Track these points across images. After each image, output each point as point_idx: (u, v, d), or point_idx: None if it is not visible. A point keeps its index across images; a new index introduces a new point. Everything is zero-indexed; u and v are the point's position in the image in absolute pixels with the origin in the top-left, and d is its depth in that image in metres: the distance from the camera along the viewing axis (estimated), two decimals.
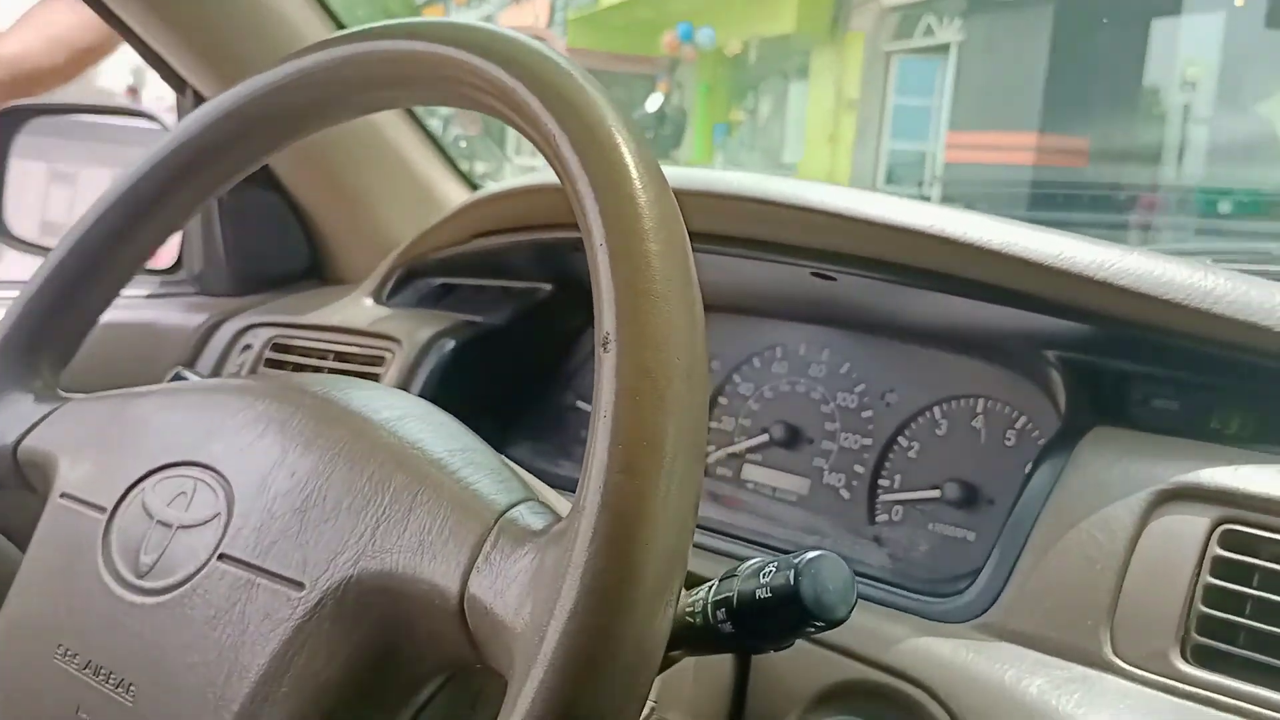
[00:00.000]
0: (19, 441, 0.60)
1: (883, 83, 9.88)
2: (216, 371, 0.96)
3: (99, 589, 0.50)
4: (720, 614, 0.41)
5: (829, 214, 0.65)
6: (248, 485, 0.49)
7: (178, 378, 0.77)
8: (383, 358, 0.89)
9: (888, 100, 9.91)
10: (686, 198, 0.74)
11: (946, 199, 8.44)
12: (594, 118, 0.43)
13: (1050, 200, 7.63)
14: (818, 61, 10.90)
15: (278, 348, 0.95)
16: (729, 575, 0.42)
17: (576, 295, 0.92)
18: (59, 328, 0.64)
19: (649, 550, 0.36)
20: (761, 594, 0.41)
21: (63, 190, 1.33)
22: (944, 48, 9.07)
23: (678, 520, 0.37)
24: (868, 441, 0.78)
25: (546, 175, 0.84)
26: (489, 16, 15.84)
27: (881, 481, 0.77)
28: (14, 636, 0.54)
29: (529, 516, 0.42)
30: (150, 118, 1.05)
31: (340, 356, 0.92)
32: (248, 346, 0.96)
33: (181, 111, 0.99)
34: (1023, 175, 7.73)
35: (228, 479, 0.50)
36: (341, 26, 0.94)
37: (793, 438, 0.82)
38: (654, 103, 7.79)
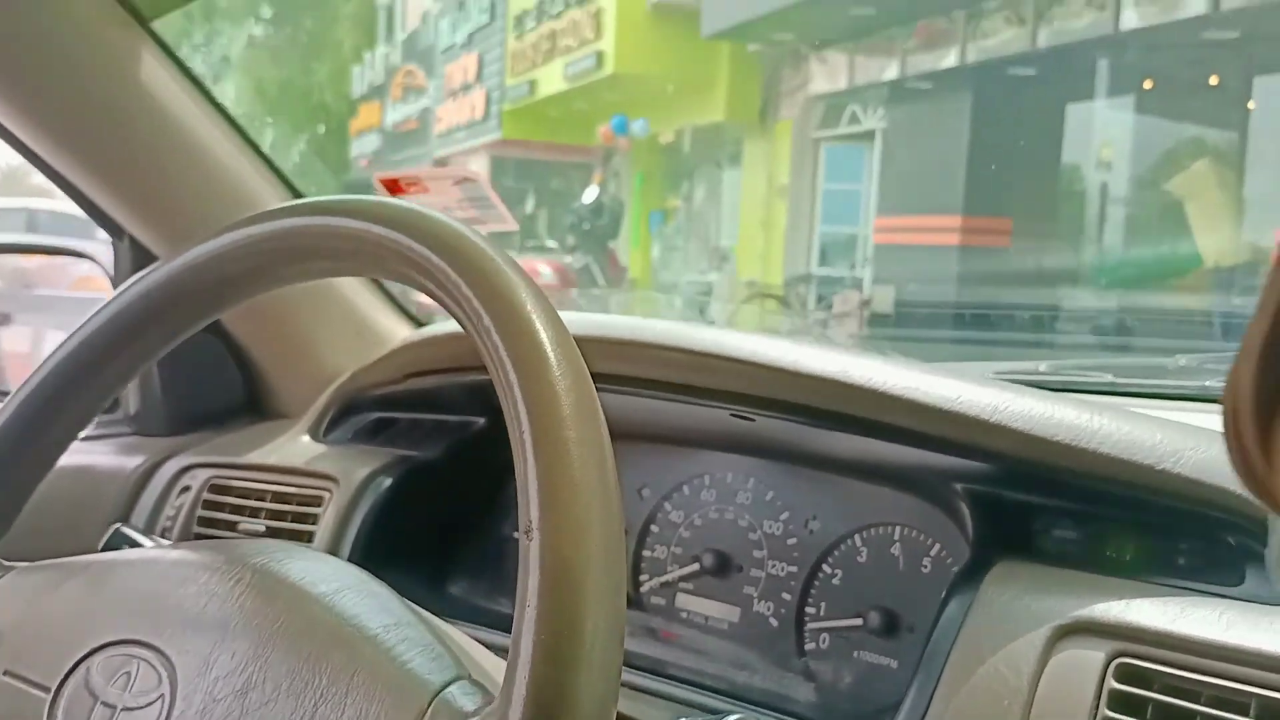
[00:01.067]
0: None
1: (812, 169, 10.18)
2: (155, 515, 0.97)
3: None
4: None
5: (743, 362, 0.69)
6: (190, 665, 0.50)
7: (117, 534, 0.78)
8: (320, 498, 0.91)
9: (818, 185, 10.20)
10: (612, 345, 0.78)
11: (878, 279, 8.66)
12: (517, 304, 0.47)
13: (976, 278, 7.88)
14: (749, 149, 11.20)
15: (215, 489, 0.96)
16: None
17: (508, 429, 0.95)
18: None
19: None
20: None
21: None
22: (869, 134, 9.39)
23: (599, 703, 0.40)
24: (794, 569, 0.82)
25: None
26: (427, 109, 16.06)
27: (808, 609, 0.80)
28: None
29: (461, 698, 0.45)
30: (93, 259, 1.07)
31: (278, 497, 0.93)
32: (186, 488, 0.97)
33: (119, 257, 1.01)
34: (948, 256, 7.98)
35: (170, 658, 0.51)
36: (276, 171, 0.97)
37: (723, 566, 0.85)
38: (590, 194, 7.94)
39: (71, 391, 0.64)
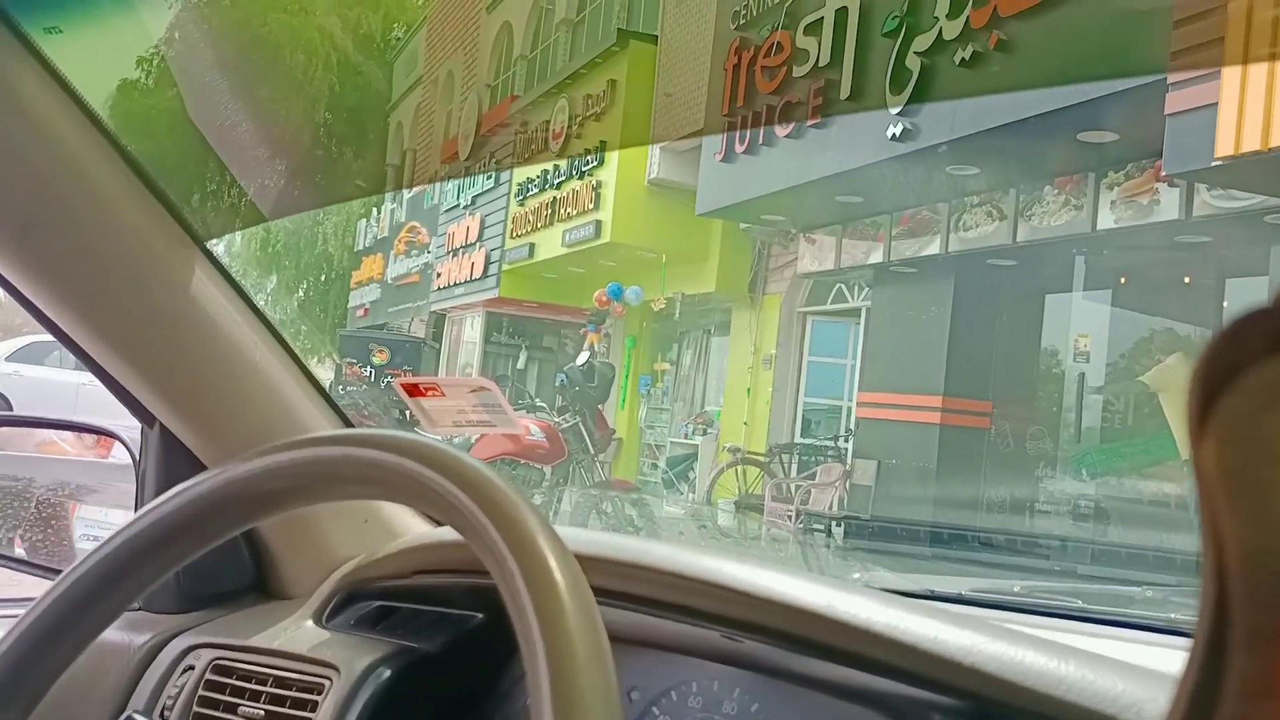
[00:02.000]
0: None
1: (799, 341, 10.42)
2: (157, 693, 1.00)
3: None
4: None
5: (736, 591, 0.75)
6: None
7: None
8: (321, 685, 0.94)
9: (804, 357, 10.42)
10: (611, 565, 0.83)
11: (859, 453, 8.75)
12: (539, 553, 0.53)
13: (957, 458, 7.98)
14: (737, 319, 11.47)
15: (219, 669, 0.99)
16: None
17: (506, 624, 0.99)
18: (26, 685, 0.69)
19: None
20: None
21: None
22: (855, 312, 9.66)
23: None
24: None
25: None
26: (428, 265, 16.45)
27: None
28: None
29: None
30: (119, 439, 1.12)
31: (279, 682, 0.96)
32: (189, 668, 1.00)
33: (147, 442, 1.07)
34: (929, 434, 8.10)
35: None
36: (315, 385, 1.04)
37: None
38: (583, 357, 8.08)
39: (109, 586, 0.69)
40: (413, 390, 1.05)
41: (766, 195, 8.70)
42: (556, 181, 13.19)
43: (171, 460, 1.06)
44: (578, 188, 12.64)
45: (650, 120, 11.01)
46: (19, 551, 1.23)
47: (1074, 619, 0.99)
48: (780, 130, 8.52)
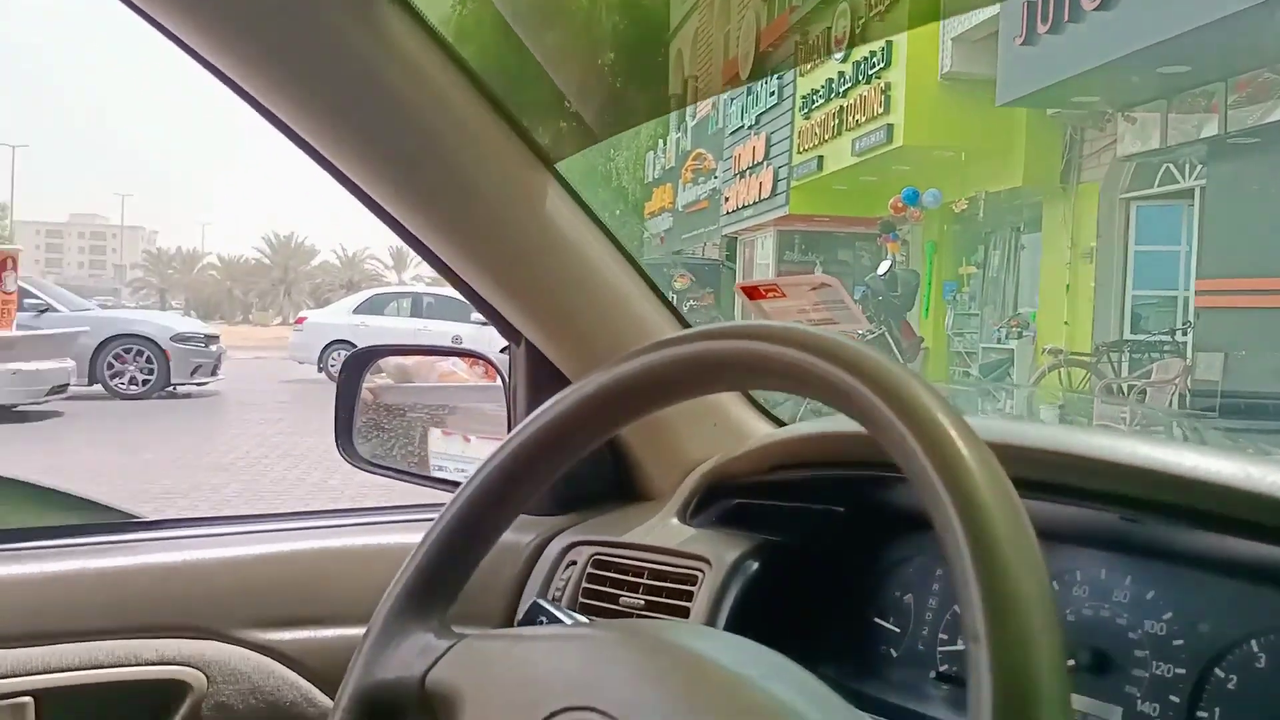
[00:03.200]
0: (425, 674, 0.72)
1: (1123, 230, 9.60)
2: (546, 585, 1.08)
3: None
4: None
5: (1140, 468, 0.70)
6: None
7: (534, 607, 0.88)
8: (695, 577, 0.98)
9: (1129, 247, 9.61)
10: (1014, 450, 0.80)
11: (1201, 346, 8.00)
12: (944, 434, 0.51)
13: None
14: (1049, 213, 10.73)
15: (598, 564, 1.06)
16: None
17: (870, 517, 0.99)
18: (450, 574, 0.76)
19: None
20: None
21: None
22: (1187, 193, 8.76)
23: None
24: (1181, 671, 0.79)
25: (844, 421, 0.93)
26: (716, 190, 16.59)
27: (1200, 714, 0.78)
28: None
29: None
30: (488, 360, 1.21)
31: (655, 574, 1.02)
32: (572, 563, 1.08)
33: (513, 359, 1.15)
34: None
35: None
36: (660, 296, 1.07)
37: (1101, 663, 0.84)
38: (884, 266, 7.88)
39: (514, 483, 0.75)
40: (752, 292, 1.06)
41: (1076, 76, 8.02)
42: (842, 89, 12.81)
43: (536, 375, 1.13)
44: (865, 93, 12.22)
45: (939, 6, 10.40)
46: (408, 466, 1.37)
47: None
48: (1087, 3, 7.80)
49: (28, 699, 0.87)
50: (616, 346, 1.04)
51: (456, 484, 1.29)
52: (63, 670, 0.90)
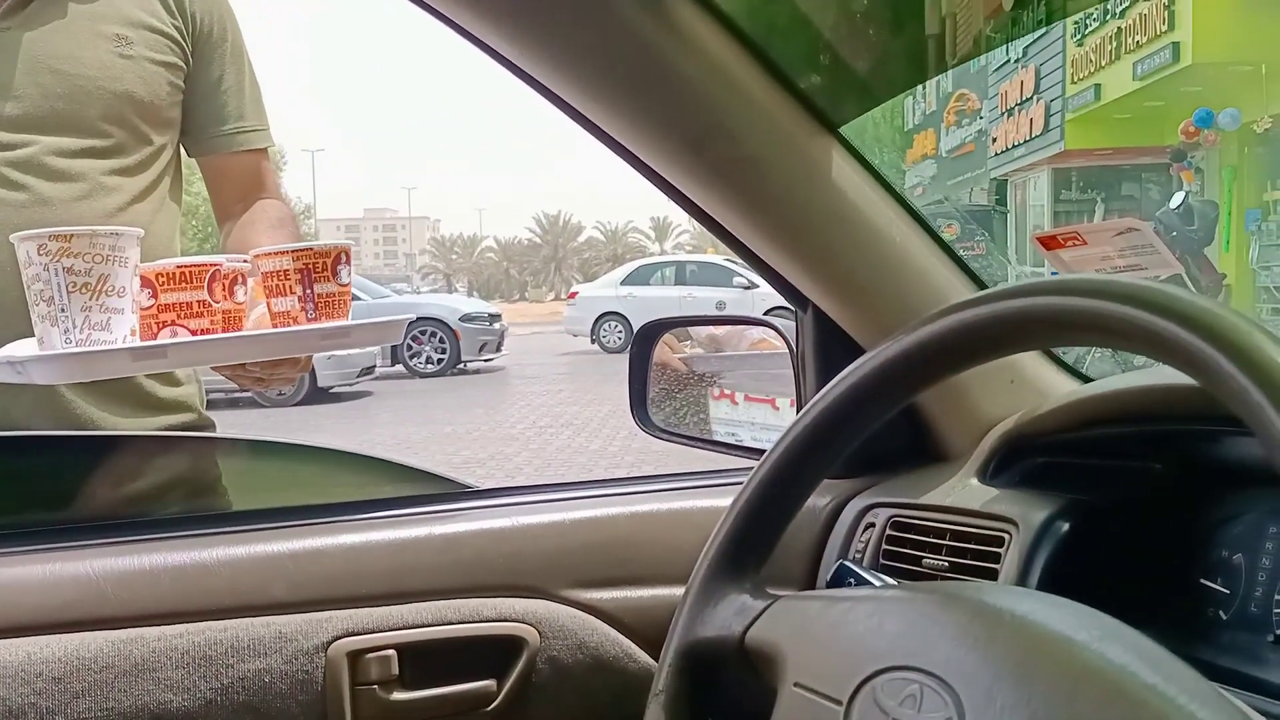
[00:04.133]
0: (745, 632, 0.75)
1: None
2: (845, 547, 1.10)
3: None
4: None
5: None
6: (975, 696, 0.58)
7: (842, 568, 0.91)
8: (1001, 539, 0.97)
9: None
10: None
11: None
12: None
13: None
14: None
15: (897, 525, 1.07)
16: None
17: (1193, 476, 0.94)
18: (760, 537, 0.80)
19: None
20: None
21: None
22: None
23: None
24: None
25: (1161, 373, 0.88)
26: (982, 131, 15.80)
27: None
28: None
29: None
30: (774, 328, 1.24)
31: (957, 535, 1.01)
32: (870, 525, 1.09)
33: (800, 326, 1.16)
34: None
35: (953, 687, 0.59)
36: (956, 259, 1.06)
37: None
38: (1177, 199, 7.22)
39: (818, 449, 0.77)
40: (1049, 242, 1.02)
41: None
42: (1120, 9, 11.83)
43: (825, 341, 1.14)
44: (1145, 10, 11.23)
45: None
46: (700, 432, 1.42)
47: None
48: None
49: (391, 652, 0.99)
50: (908, 310, 1.03)
51: (746, 449, 1.34)
52: (418, 626, 1.01)
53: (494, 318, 14.39)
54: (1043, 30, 13.79)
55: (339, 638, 0.97)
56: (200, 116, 1.34)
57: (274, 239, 1.26)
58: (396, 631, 0.99)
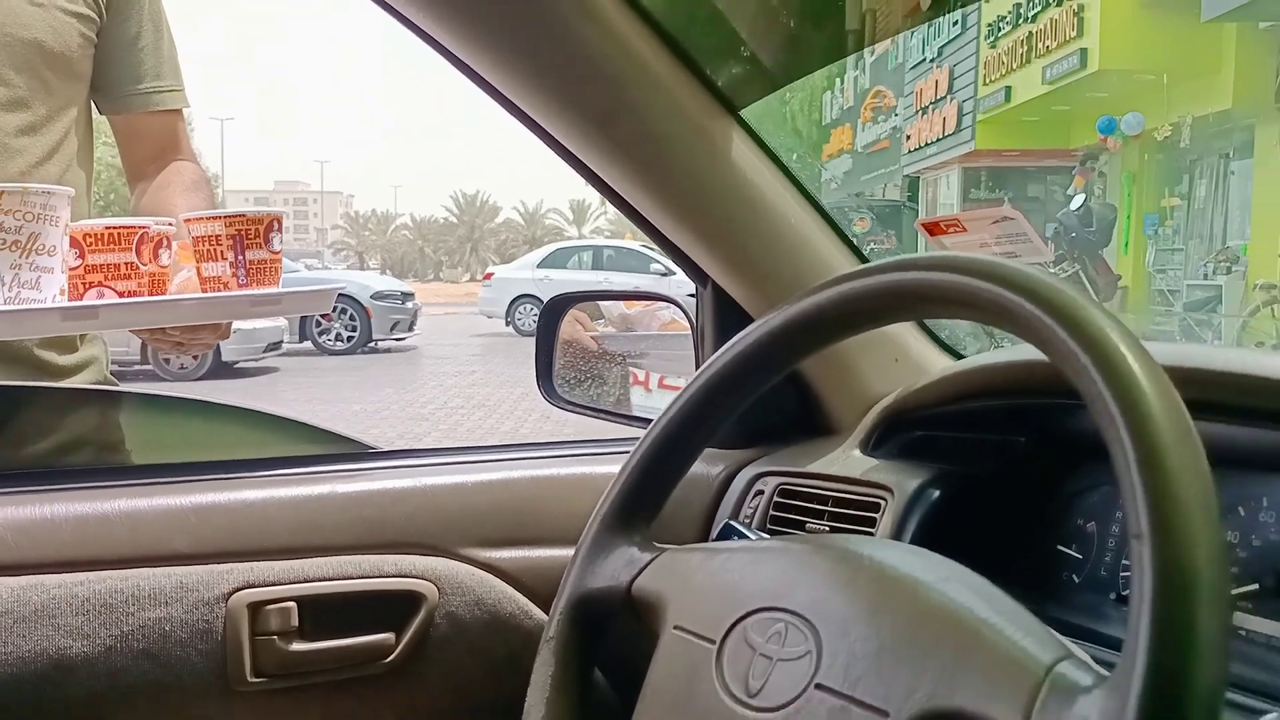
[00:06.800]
0: (631, 582, 0.80)
1: None
2: (735, 512, 1.16)
3: (718, 706, 0.67)
4: None
5: None
6: (832, 631, 0.64)
7: (727, 527, 0.96)
8: (877, 504, 1.03)
9: None
10: (1190, 372, 0.82)
11: None
12: (1113, 349, 0.55)
13: None
14: (1263, 137, 9.95)
15: (784, 493, 1.13)
16: None
17: (1051, 447, 1.01)
18: (650, 495, 0.84)
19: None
20: None
21: None
22: None
23: (1213, 692, 0.47)
24: None
25: (1023, 350, 0.95)
26: (896, 129, 16.13)
27: None
28: None
29: (1075, 672, 0.53)
30: (677, 304, 1.29)
31: (838, 502, 1.07)
32: (759, 492, 1.15)
33: (700, 302, 1.22)
34: None
35: (814, 624, 0.65)
36: (840, 234, 1.12)
37: None
38: (1077, 201, 7.51)
39: (707, 414, 0.82)
40: (933, 228, 1.09)
41: None
42: (1031, 14, 12.19)
43: (722, 316, 1.20)
44: (1056, 16, 11.59)
45: None
46: (609, 407, 1.47)
47: None
48: None
49: (291, 604, 1.02)
50: (799, 285, 1.09)
51: (643, 420, 1.39)
52: (319, 580, 1.04)
53: (407, 296, 14.25)
54: (958, 31, 14.14)
55: (239, 589, 1.00)
56: (115, 73, 1.32)
57: (190, 201, 1.27)
58: (297, 585, 1.02)
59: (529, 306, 15.98)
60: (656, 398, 1.50)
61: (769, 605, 0.69)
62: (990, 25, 13.28)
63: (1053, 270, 7.31)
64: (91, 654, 0.94)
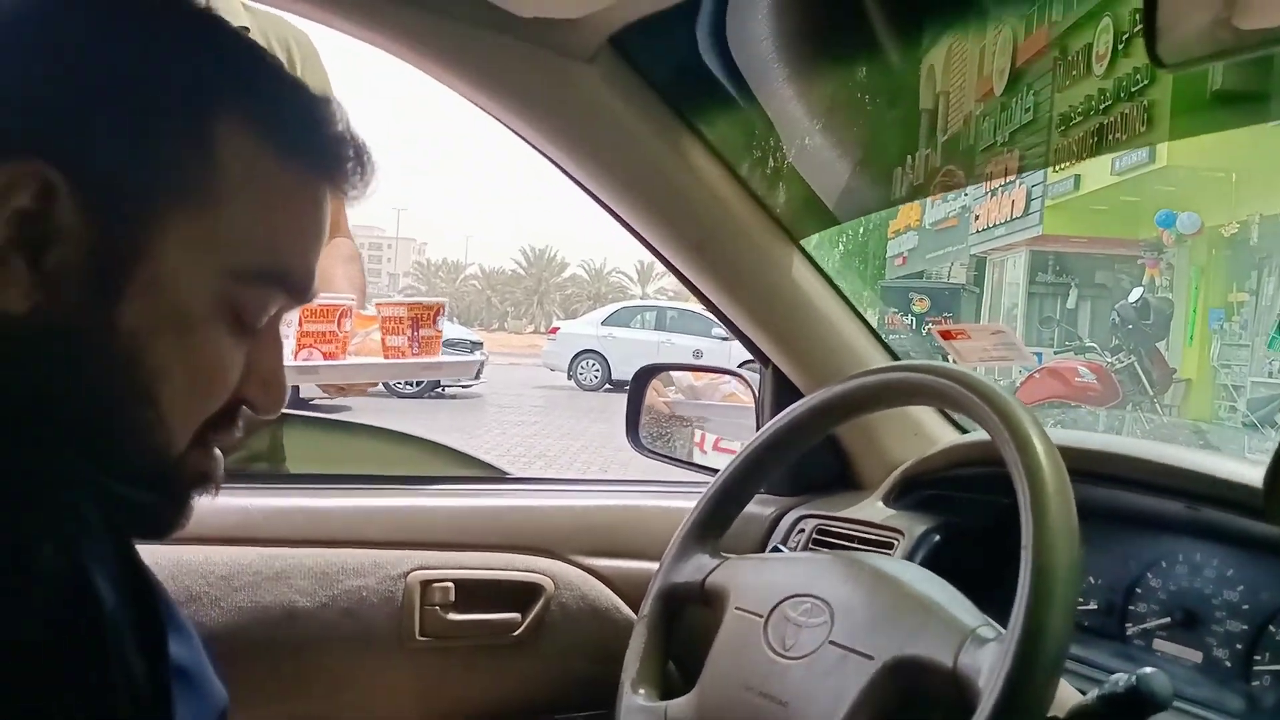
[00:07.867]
0: (704, 579, 1.13)
1: None
2: (783, 543, 1.48)
3: (764, 657, 1.00)
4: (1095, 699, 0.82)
5: (1171, 467, 1.02)
6: (841, 609, 0.96)
7: (775, 548, 1.29)
8: (892, 543, 1.35)
9: None
10: (1084, 451, 1.13)
11: None
12: (1022, 429, 0.87)
13: None
14: None
15: (820, 531, 1.45)
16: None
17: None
18: (720, 517, 1.18)
19: (1043, 659, 0.78)
20: (1122, 684, 0.80)
21: None
22: None
23: (1062, 637, 0.79)
24: (1244, 627, 1.09)
25: None
26: (965, 208, 16.37)
27: (1255, 656, 1.08)
28: (715, 684, 1.05)
29: (985, 631, 0.86)
30: (743, 378, 1.63)
31: (862, 540, 1.39)
32: (801, 530, 1.47)
33: (763, 379, 1.55)
34: None
35: (829, 603, 0.98)
36: (874, 333, 1.46)
37: (1190, 620, 1.14)
38: (1135, 294, 7.72)
39: (762, 465, 1.15)
40: (946, 334, 1.42)
41: None
42: (1102, 106, 12.42)
43: (780, 391, 1.53)
44: (1127, 110, 11.81)
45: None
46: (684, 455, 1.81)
47: None
48: None
49: (450, 584, 1.37)
50: (839, 371, 1.43)
51: (709, 468, 1.73)
52: (469, 568, 1.39)
53: (475, 345, 14.67)
54: (1029, 118, 14.38)
55: (414, 570, 1.35)
56: None
57: (346, 272, 1.62)
58: (454, 570, 1.37)
59: (591, 362, 16.33)
60: (711, 458, 1.84)
61: (800, 592, 1.02)
62: (1062, 115, 13.53)
63: (1109, 361, 7.51)
64: (312, 608, 1.30)
